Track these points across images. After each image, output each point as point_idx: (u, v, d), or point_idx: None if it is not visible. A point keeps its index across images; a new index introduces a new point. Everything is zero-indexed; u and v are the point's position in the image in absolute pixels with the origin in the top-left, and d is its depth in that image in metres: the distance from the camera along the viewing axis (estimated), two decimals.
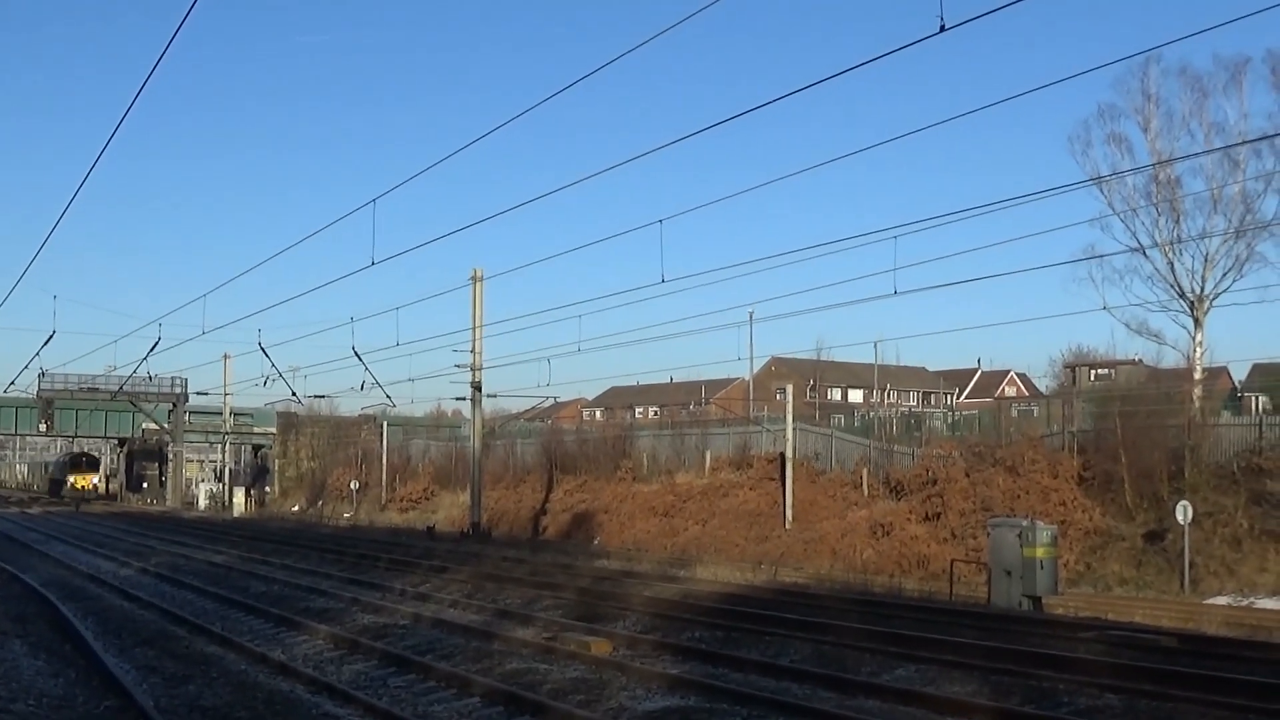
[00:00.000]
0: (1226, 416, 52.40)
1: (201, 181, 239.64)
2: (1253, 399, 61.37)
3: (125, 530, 60.35)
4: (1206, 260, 58.29)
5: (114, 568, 39.01)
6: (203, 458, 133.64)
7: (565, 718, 15.06)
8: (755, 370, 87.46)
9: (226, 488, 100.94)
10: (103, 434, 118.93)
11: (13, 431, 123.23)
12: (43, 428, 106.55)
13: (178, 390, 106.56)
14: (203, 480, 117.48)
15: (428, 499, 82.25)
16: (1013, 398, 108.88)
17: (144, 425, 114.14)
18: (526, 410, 77.35)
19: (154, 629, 24.06)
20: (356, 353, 57.13)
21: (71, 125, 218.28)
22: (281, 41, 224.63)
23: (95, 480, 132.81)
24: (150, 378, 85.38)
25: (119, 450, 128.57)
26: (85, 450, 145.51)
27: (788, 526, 53.86)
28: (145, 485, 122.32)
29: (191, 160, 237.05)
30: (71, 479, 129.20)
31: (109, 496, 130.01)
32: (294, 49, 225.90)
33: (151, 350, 61.43)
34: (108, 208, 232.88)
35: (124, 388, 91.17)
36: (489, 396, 60.69)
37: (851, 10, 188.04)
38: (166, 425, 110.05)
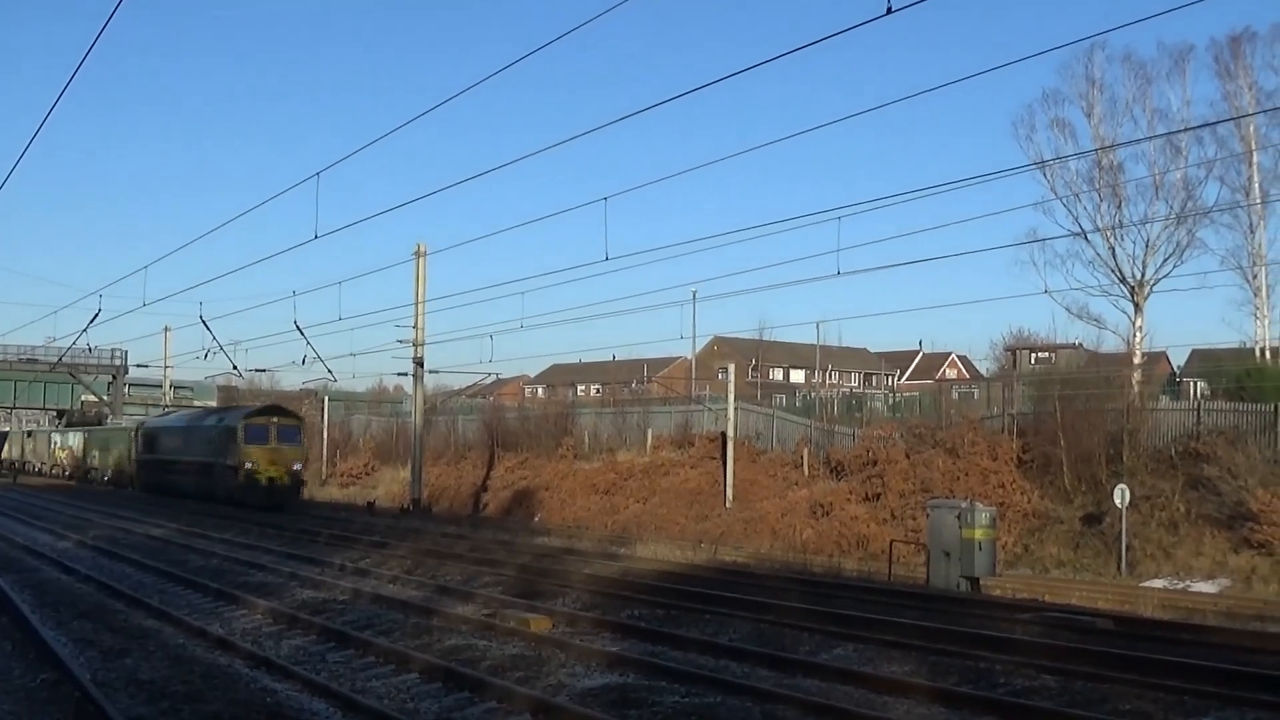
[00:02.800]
0: (1165, 401, 52.73)
1: (143, 152, 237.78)
2: (1191, 384, 61.90)
3: (64, 502, 59.91)
4: (1147, 246, 58.80)
5: (51, 540, 38.73)
6: None
7: (504, 694, 15.06)
8: (698, 349, 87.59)
9: None
10: (41, 406, 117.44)
11: None
12: None
13: (117, 362, 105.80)
14: None
15: (368, 474, 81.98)
16: (953, 380, 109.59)
17: (83, 397, 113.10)
18: (468, 387, 77.20)
19: (91, 602, 23.92)
20: (298, 327, 56.50)
21: (11, 95, 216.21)
22: (226, 11, 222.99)
23: (298, 464, 60.47)
24: (90, 349, 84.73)
25: (58, 422, 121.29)
26: (273, 401, 78.58)
27: (728, 505, 53.96)
28: None
29: (133, 131, 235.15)
30: (249, 460, 57.62)
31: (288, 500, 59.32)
32: (239, 20, 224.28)
33: (91, 322, 60.88)
34: (48, 178, 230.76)
35: (63, 359, 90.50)
36: (431, 372, 60.65)
37: None
38: (106, 397, 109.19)
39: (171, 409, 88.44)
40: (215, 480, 59.72)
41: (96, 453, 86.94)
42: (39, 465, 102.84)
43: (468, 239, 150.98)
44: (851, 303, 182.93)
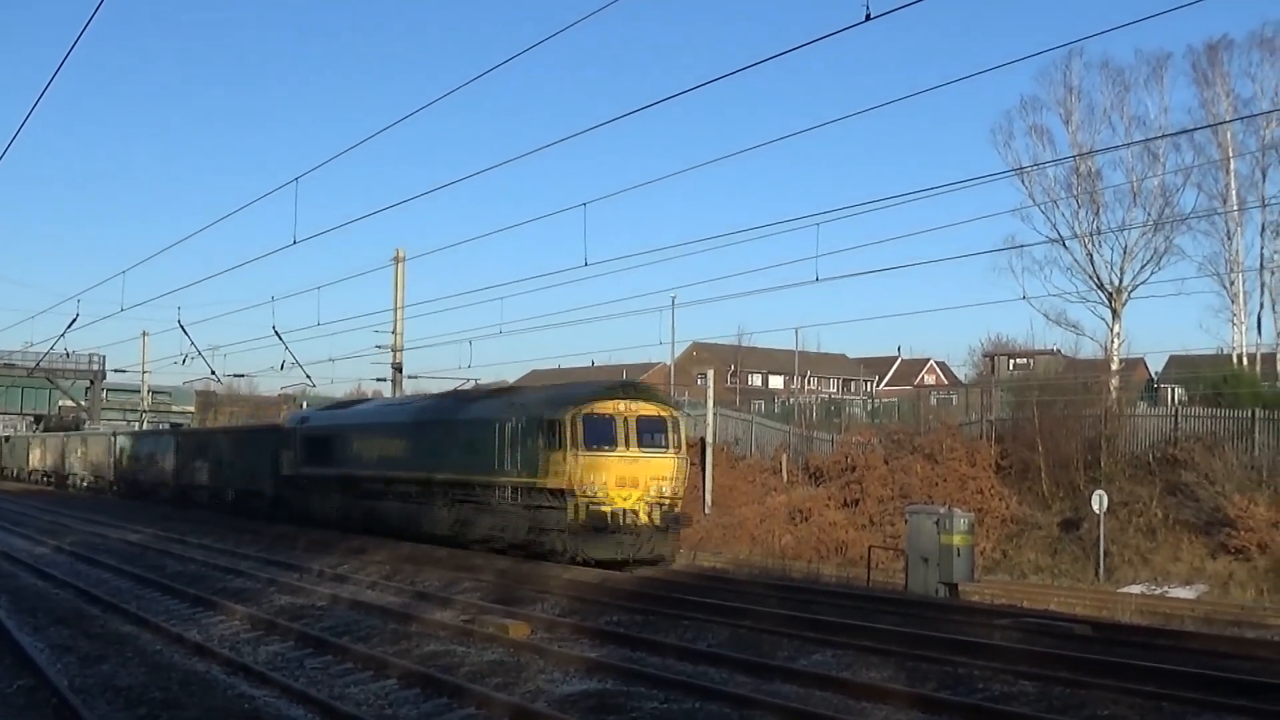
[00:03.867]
0: (1142, 407, 53.03)
1: (121, 156, 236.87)
2: (1169, 390, 62.10)
3: (41, 508, 59.73)
4: (1125, 252, 59.03)
5: (28, 546, 38.62)
6: None
7: (482, 700, 15.04)
8: (676, 355, 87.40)
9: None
10: (19, 411, 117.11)
11: None
12: None
13: (95, 367, 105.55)
14: None
15: None
16: (932, 386, 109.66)
17: (61, 403, 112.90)
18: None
19: (68, 608, 23.85)
20: (277, 332, 56.37)
21: None
22: (204, 15, 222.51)
23: (671, 487, 32.49)
24: (68, 354, 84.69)
25: (36, 427, 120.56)
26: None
27: (707, 511, 53.97)
28: None
29: (111, 135, 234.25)
30: (587, 483, 31.57)
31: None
32: (217, 23, 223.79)
33: (69, 327, 60.86)
34: (25, 183, 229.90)
35: (40, 364, 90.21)
36: (410, 377, 60.39)
37: None
38: (84, 403, 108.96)
39: (334, 401, 64.18)
40: (505, 515, 34.93)
41: (205, 464, 61.00)
42: (82, 477, 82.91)
43: (447, 244, 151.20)
44: (830, 308, 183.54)
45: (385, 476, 41.73)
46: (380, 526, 41.22)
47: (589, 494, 31.62)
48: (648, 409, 33.36)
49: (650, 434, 32.97)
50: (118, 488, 74.83)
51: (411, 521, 39.77)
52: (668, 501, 32.42)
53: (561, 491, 32.18)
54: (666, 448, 32.89)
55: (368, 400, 55.75)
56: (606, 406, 32.87)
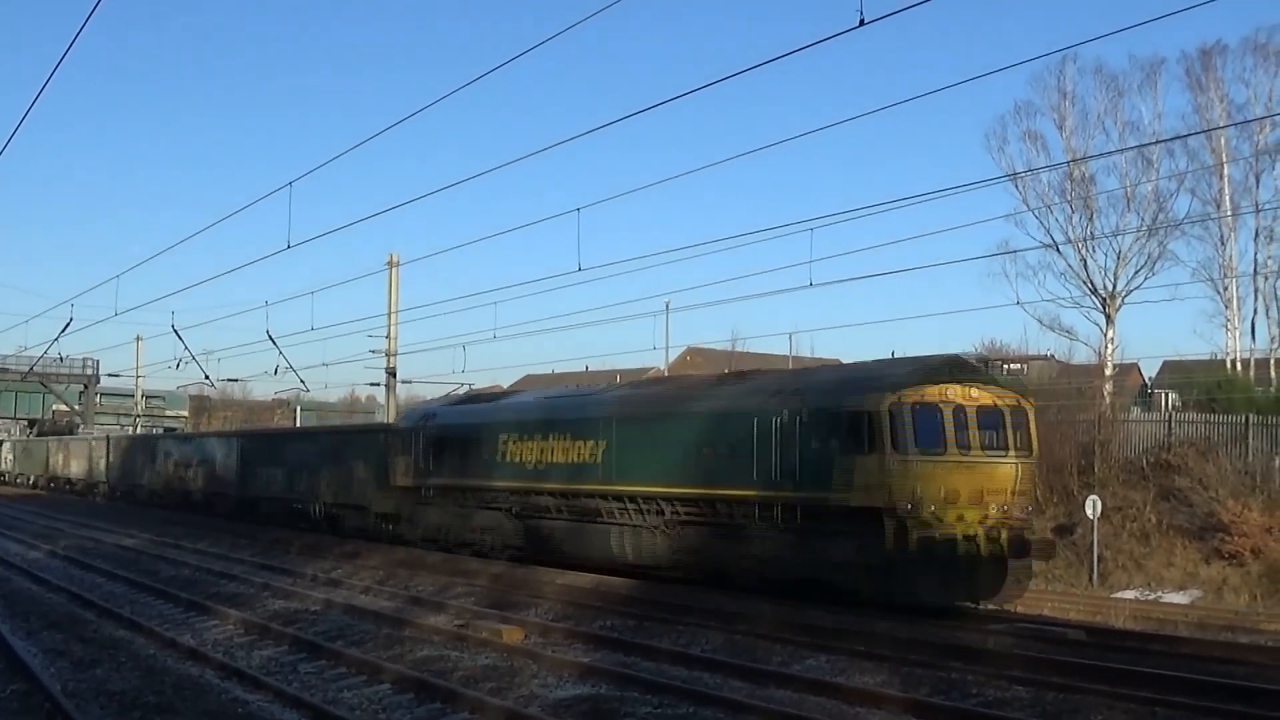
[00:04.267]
0: (1137, 413, 53.07)
1: (115, 160, 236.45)
2: (1163, 395, 62.13)
3: (35, 512, 59.65)
4: (1119, 257, 59.05)
5: (22, 550, 38.59)
6: None
7: (476, 705, 15.04)
8: (671, 360, 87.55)
9: None
10: (12, 415, 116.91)
11: None
12: None
13: (89, 372, 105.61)
14: None
15: None
16: None
17: (54, 407, 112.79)
18: (441, 397, 77.08)
19: (62, 612, 23.85)
20: (271, 336, 56.21)
21: None
22: (198, 17, 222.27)
23: (1017, 499, 24.67)
24: (61, 359, 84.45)
25: (29, 431, 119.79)
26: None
27: None
28: None
29: (105, 138, 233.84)
30: (915, 497, 23.41)
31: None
32: (213, 25, 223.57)
33: (63, 331, 60.68)
34: (19, 185, 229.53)
35: (34, 368, 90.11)
36: (403, 382, 60.39)
37: (771, 2, 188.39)
38: (77, 407, 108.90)
39: (466, 394, 47.76)
40: (768, 542, 26.14)
41: (280, 473, 51.44)
42: (116, 486, 72.78)
43: (440, 249, 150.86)
44: (824, 313, 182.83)
45: (563, 490, 32.09)
46: (553, 553, 32.61)
47: (917, 514, 23.48)
48: (985, 396, 24.95)
49: (991, 430, 24.88)
50: (160, 499, 65.28)
51: (605, 548, 30.78)
52: (1016, 523, 24.47)
53: (872, 511, 23.85)
54: (1010, 449, 24.80)
55: (519, 392, 45.02)
56: (933, 393, 24.51)
